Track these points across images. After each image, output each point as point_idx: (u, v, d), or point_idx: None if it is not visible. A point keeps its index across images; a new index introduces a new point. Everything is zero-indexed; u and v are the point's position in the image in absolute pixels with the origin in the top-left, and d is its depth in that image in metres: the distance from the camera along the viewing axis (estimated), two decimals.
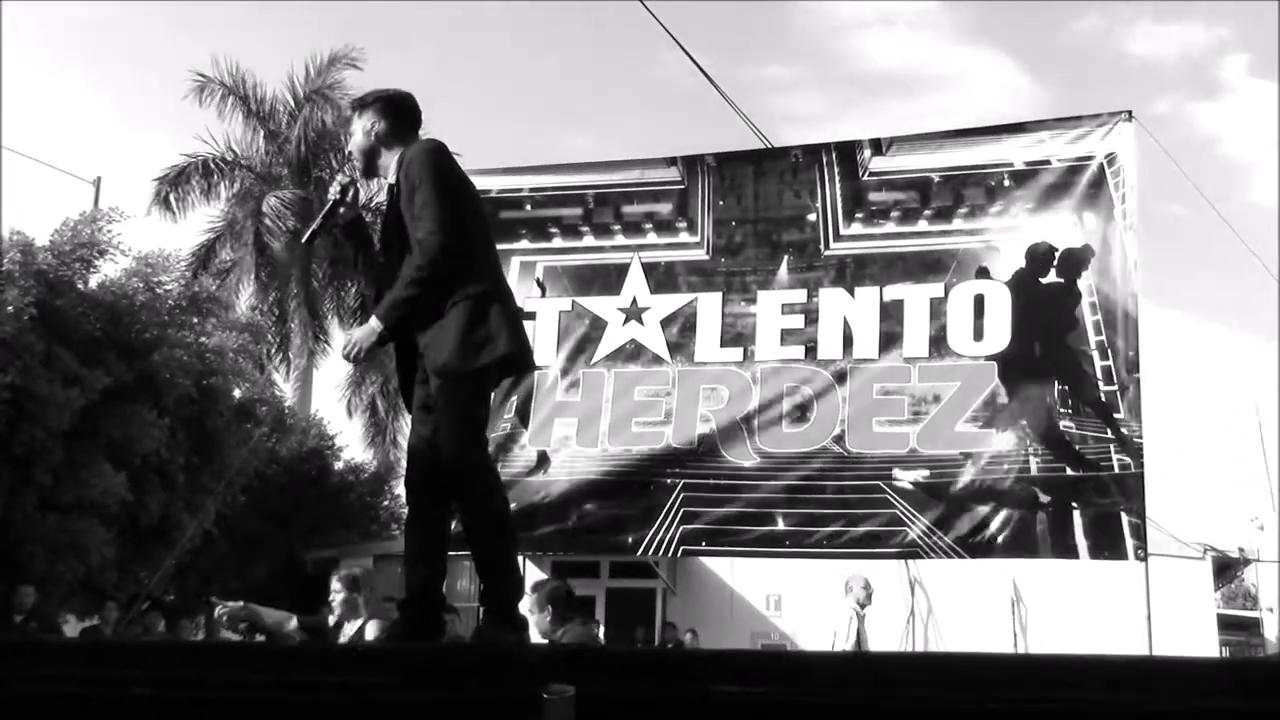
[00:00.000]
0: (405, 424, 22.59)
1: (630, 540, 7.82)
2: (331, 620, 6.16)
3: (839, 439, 7.39)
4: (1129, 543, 6.76)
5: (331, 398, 26.04)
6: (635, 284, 8.07)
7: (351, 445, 23.43)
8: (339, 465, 20.79)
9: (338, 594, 6.16)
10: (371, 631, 5.85)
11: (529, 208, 8.49)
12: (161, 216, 22.53)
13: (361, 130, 4.11)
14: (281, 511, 18.25)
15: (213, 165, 22.98)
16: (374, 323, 3.84)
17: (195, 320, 14.98)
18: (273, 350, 22.15)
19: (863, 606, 8.04)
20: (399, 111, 4.12)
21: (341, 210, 4.17)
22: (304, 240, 4.79)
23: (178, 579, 15.99)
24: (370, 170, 4.16)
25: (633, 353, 8.02)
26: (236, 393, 15.90)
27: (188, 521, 13.60)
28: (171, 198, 22.57)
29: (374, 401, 23.99)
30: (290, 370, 22.81)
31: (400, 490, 21.21)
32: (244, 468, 14.57)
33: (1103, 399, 6.97)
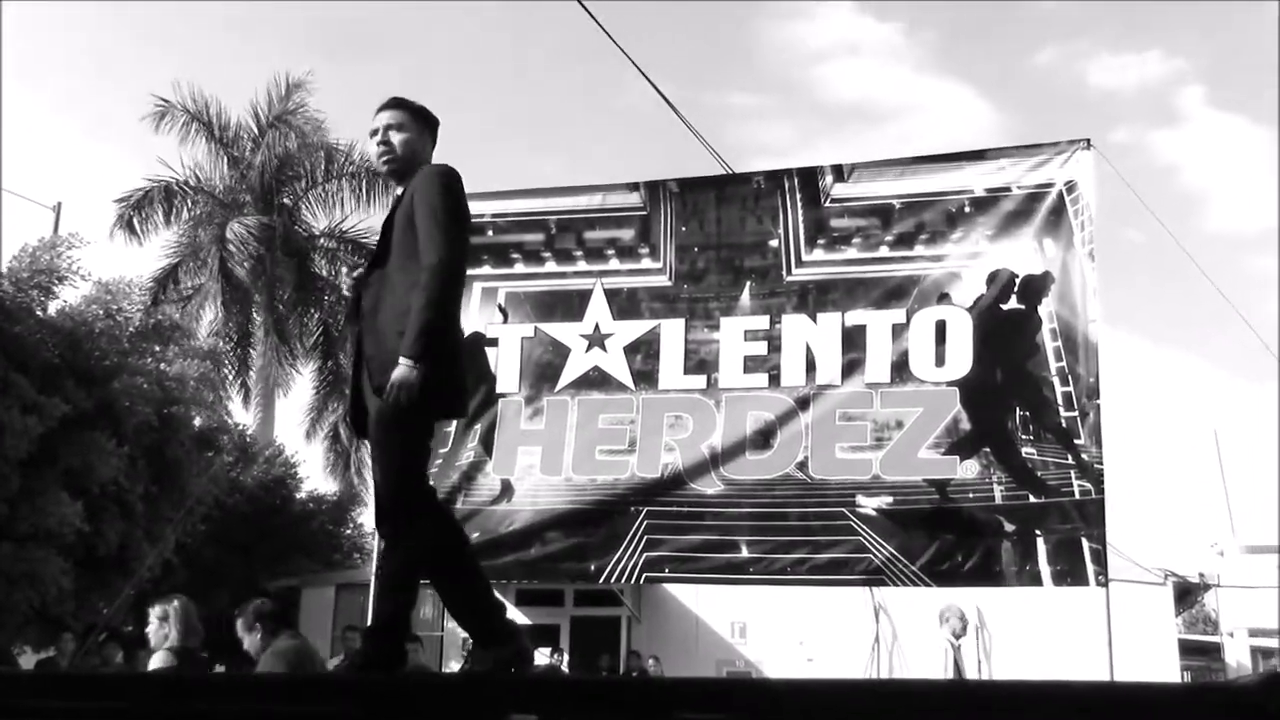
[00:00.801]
0: (368, 452, 22.46)
1: (593, 568, 7.78)
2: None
3: (802, 465, 7.40)
4: (1090, 569, 6.80)
5: (294, 426, 25.86)
6: (598, 310, 8.06)
7: (314, 474, 23.28)
8: (301, 494, 20.60)
9: (151, 624, 6.10)
10: (157, 663, 5.85)
11: (491, 233, 8.47)
12: (126, 240, 22.37)
13: (403, 138, 4.12)
14: (243, 540, 18.04)
15: (175, 189, 22.83)
16: (404, 363, 3.74)
17: (156, 348, 14.84)
18: (233, 377, 21.97)
19: (958, 637, 8.22)
20: (434, 131, 4.20)
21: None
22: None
23: (136, 609, 15.76)
24: (400, 174, 4.14)
25: (596, 380, 8.00)
26: (197, 421, 15.75)
27: (147, 551, 13.43)
28: (135, 221, 22.41)
29: (336, 429, 23.81)
30: (250, 398, 22.61)
31: (363, 519, 21.09)
32: (204, 496, 14.41)
33: (1063, 425, 7.02)
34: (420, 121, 4.19)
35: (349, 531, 21.25)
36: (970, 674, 8.57)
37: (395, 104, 4.23)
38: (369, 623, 3.91)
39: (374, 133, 4.20)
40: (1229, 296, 9.57)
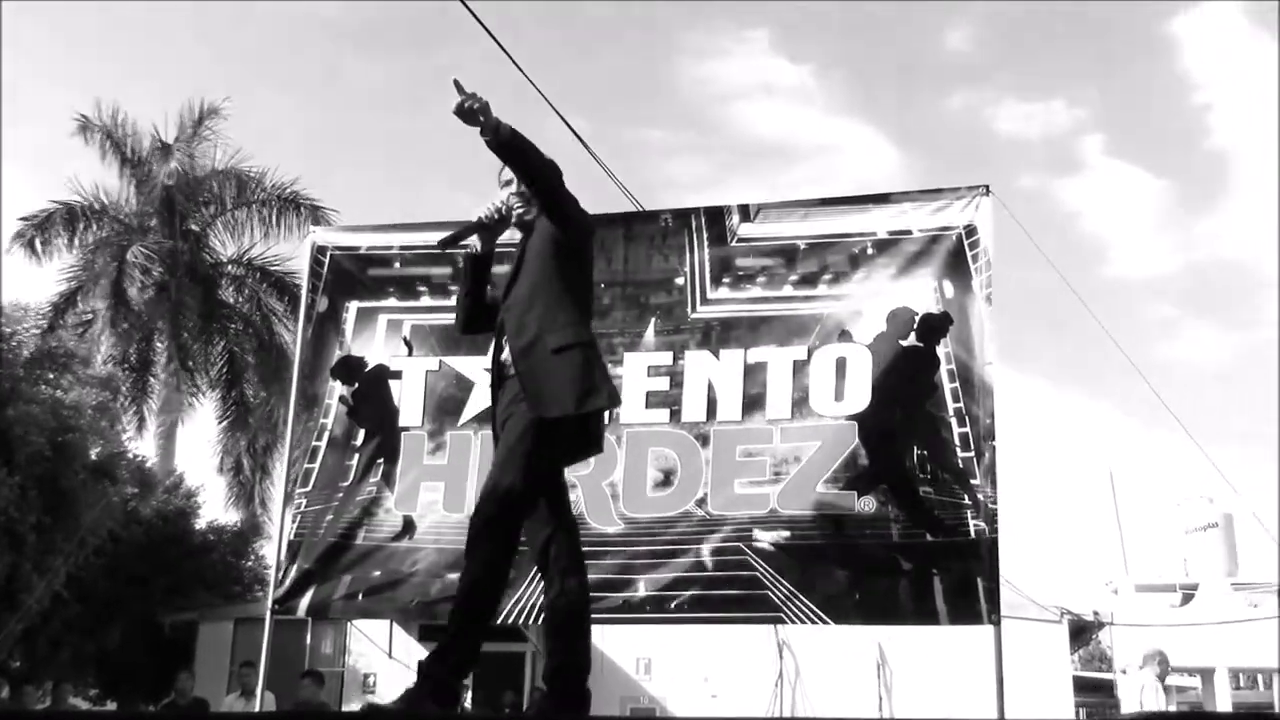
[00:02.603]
0: (271, 485, 22.06)
1: None
2: None
3: (701, 502, 7.40)
4: (984, 607, 6.87)
5: (195, 455, 25.33)
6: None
7: (216, 504, 22.76)
8: (200, 525, 20.14)
9: None
10: None
11: (398, 265, 8.39)
12: (27, 259, 21.80)
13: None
14: (140, 573, 17.58)
15: (79, 211, 22.32)
16: (493, 117, 3.96)
17: (51, 374, 14.45)
18: (132, 406, 21.44)
19: (1162, 679, 8.97)
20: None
21: (478, 234, 4.42)
22: (438, 244, 4.73)
23: (24, 643, 15.29)
24: (527, 224, 4.37)
25: None
26: (94, 451, 15.34)
27: (36, 583, 13.02)
28: (36, 241, 21.86)
29: (239, 461, 23.34)
30: (143, 426, 22.04)
31: (265, 551, 20.61)
32: (97, 528, 14.03)
33: (960, 465, 7.10)
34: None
35: (249, 564, 20.82)
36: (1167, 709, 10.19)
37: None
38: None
39: (508, 183, 4.37)
40: (1119, 342, 9.79)
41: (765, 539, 7.26)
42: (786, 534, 7.25)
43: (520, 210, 4.38)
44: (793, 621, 7.24)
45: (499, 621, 7.75)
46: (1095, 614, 18.68)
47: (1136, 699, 10.00)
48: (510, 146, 4.05)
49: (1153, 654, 10.15)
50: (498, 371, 4.32)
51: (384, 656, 17.37)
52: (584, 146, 9.03)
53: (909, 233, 7.56)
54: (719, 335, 7.71)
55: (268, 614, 8.20)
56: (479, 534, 3.96)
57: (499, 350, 4.31)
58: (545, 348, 4.08)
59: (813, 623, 7.20)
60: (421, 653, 15.13)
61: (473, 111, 3.98)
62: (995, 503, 6.98)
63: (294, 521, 8.16)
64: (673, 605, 7.37)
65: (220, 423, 23.13)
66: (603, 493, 7.57)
